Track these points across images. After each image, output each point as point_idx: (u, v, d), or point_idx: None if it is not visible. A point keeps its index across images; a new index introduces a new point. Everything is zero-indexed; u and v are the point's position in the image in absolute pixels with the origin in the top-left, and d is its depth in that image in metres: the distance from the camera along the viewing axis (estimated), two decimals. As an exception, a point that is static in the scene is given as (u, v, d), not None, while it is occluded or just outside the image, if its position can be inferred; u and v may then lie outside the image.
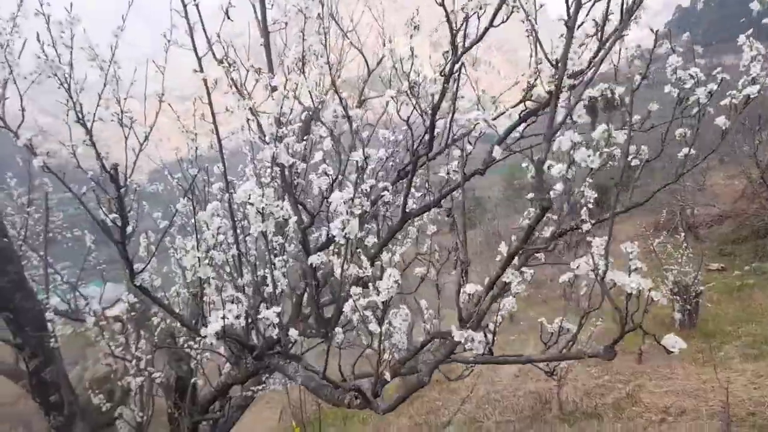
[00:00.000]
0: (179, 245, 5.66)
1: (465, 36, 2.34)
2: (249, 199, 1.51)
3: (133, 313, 4.04)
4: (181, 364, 5.23)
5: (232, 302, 1.35)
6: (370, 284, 1.86)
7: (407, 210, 2.30)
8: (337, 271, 2.96)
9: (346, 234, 1.26)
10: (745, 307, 13.73)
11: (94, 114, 1.95)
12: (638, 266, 1.35)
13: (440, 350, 1.73)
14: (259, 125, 2.33)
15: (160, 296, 4.30)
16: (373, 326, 1.67)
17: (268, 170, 2.42)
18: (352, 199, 1.25)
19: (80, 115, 1.92)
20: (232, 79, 2.25)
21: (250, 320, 2.61)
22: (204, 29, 2.31)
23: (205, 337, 2.67)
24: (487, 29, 2.04)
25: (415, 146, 2.14)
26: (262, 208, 1.51)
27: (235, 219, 2.84)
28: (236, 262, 2.74)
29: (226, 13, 2.38)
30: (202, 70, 2.43)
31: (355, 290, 1.56)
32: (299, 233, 2.52)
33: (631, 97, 1.34)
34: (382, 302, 1.75)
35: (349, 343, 2.74)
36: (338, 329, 2.30)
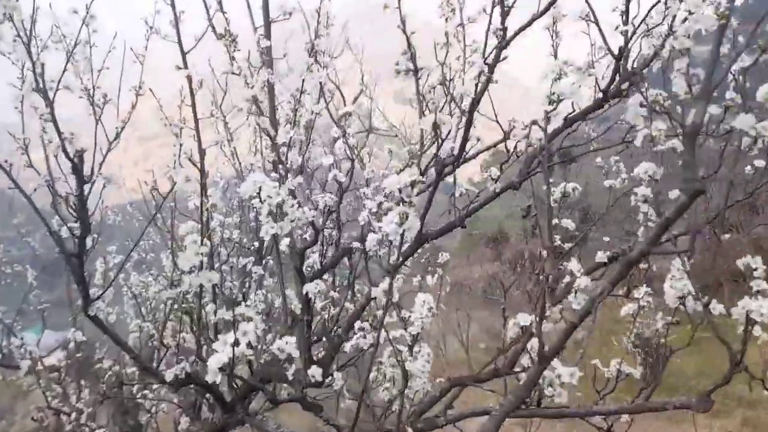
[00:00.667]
0: (134, 282, 5.12)
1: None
2: (258, 192, 1.16)
3: (77, 355, 3.47)
4: (127, 418, 4.59)
5: (243, 320, 0.97)
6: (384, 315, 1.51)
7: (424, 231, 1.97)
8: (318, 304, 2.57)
9: (404, 231, 0.93)
10: (704, 361, 13.80)
11: (59, 82, 1.56)
12: (764, 287, 1.06)
13: (507, 397, 1.37)
14: (259, 107, 1.98)
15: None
16: (412, 365, 1.31)
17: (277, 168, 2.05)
18: (413, 184, 0.93)
19: (40, 79, 1.52)
20: (233, 57, 1.92)
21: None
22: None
23: (165, 383, 2.22)
24: (553, 1, 1.79)
25: (440, 150, 1.82)
26: (277, 205, 1.16)
27: (212, 243, 2.44)
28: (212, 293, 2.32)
29: (220, 4, 2.08)
30: (186, 67, 2.10)
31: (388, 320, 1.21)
32: (295, 256, 2.15)
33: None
34: (413, 336, 1.40)
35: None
36: (337, 374, 1.90)
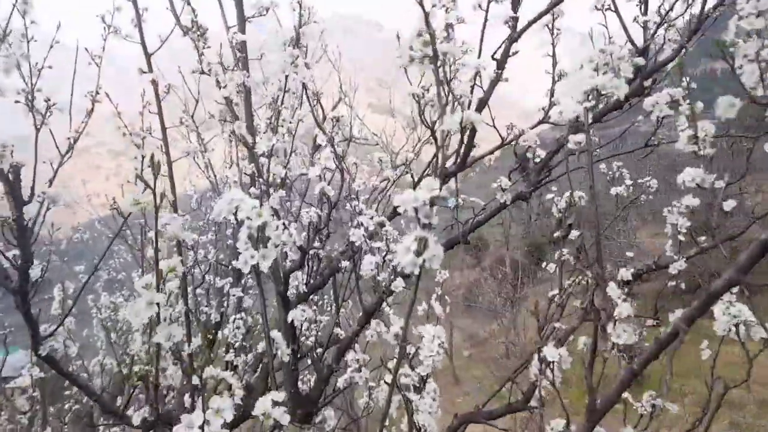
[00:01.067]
0: (104, 303, 4.82)
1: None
2: (235, 213, 0.94)
3: (37, 395, 3.17)
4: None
5: (216, 391, 0.75)
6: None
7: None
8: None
9: (425, 262, 0.72)
10: (684, 363, 13.82)
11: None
12: None
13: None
14: (233, 110, 1.75)
15: (78, 367, 3.44)
16: (425, 417, 1.10)
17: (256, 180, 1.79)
18: (433, 201, 0.73)
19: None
20: (201, 54, 1.69)
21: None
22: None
23: (132, 425, 1.96)
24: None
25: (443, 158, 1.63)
26: (258, 228, 0.94)
27: (185, 264, 2.20)
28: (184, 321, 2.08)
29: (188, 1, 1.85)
30: (151, 70, 1.87)
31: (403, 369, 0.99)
32: (278, 280, 1.92)
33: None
34: (422, 377, 1.19)
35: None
36: (330, 412, 1.68)
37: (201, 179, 4.90)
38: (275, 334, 1.25)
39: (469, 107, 1.80)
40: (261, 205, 0.94)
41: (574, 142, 0.98)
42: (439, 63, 0.71)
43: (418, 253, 0.73)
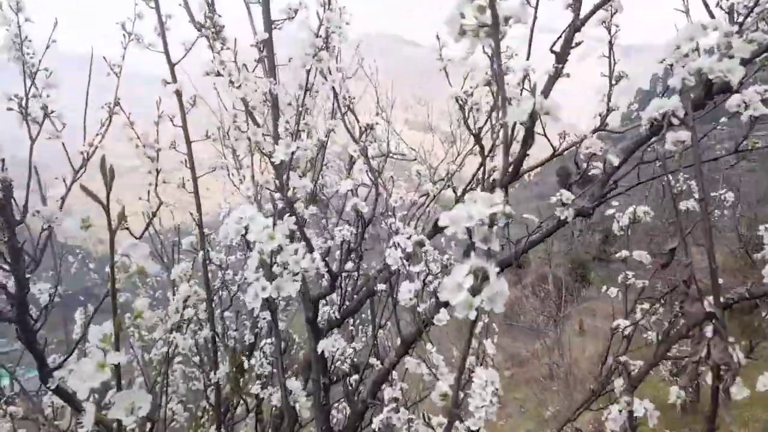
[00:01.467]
0: (141, 322, 4.76)
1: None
2: (245, 233, 0.78)
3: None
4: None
5: None
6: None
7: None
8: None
9: (484, 303, 0.53)
10: (752, 389, 12.90)
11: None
12: None
13: None
14: (252, 116, 1.60)
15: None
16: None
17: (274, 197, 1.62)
18: (494, 220, 0.53)
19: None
20: (217, 53, 1.55)
21: None
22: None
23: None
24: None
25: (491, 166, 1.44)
26: (271, 253, 0.77)
27: (211, 286, 2.06)
28: (209, 348, 1.94)
29: (212, 8, 1.73)
30: (175, 80, 1.75)
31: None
32: (308, 306, 1.76)
33: None
34: None
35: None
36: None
37: (236, 196, 4.83)
38: (292, 383, 1.07)
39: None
40: (275, 224, 0.77)
41: (674, 141, 0.77)
42: (500, 34, 0.53)
43: (475, 291, 0.54)
